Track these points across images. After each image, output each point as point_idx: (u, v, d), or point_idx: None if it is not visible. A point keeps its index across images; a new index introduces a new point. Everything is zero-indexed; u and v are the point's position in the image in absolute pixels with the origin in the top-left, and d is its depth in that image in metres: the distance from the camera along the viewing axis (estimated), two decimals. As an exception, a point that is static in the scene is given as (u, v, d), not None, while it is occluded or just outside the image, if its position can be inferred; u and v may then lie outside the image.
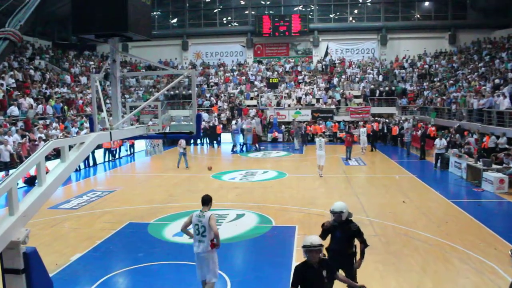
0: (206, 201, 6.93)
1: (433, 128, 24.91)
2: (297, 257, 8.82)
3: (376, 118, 31.24)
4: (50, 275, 5.81)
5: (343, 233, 6.48)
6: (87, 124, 21.51)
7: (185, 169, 20.21)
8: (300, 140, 28.71)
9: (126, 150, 26.01)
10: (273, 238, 10.46)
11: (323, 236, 6.32)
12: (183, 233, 7.23)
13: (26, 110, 21.79)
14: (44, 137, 18.96)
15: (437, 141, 19.94)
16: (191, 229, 6.94)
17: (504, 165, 16.00)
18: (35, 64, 29.10)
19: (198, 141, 30.78)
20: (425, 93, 33.90)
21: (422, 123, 26.52)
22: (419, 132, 23.71)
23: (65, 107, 25.23)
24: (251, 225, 11.38)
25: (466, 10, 39.31)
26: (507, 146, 17.85)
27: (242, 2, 43.25)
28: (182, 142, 20.34)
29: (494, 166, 15.99)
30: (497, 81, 25.07)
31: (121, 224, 11.56)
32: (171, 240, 10.32)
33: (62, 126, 22.56)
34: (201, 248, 6.71)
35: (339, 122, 31.51)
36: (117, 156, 24.35)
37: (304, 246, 5.03)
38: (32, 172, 14.31)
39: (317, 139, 18.41)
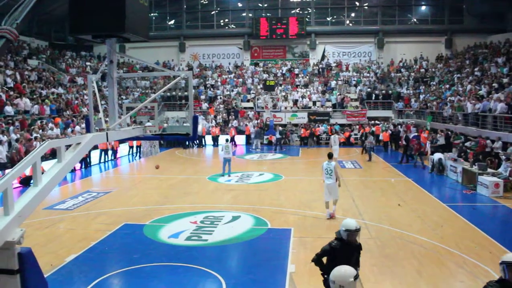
0: (331, 156, 12.22)
1: (425, 135, 24.80)
2: (292, 259, 8.82)
3: (375, 122, 31.42)
4: (45, 276, 5.79)
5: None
6: (83, 125, 21.44)
7: (228, 176, 18.74)
8: (260, 141, 29.46)
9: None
10: (268, 240, 10.46)
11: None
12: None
13: (22, 110, 21.73)
14: (40, 137, 18.90)
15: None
16: None
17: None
18: (31, 64, 29.02)
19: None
20: (421, 97, 34.00)
21: (414, 127, 26.83)
22: (412, 135, 23.80)
23: (60, 109, 25.11)
24: (247, 227, 11.36)
25: (463, 14, 39.57)
26: (500, 151, 17.91)
27: (240, 5, 43.29)
28: (229, 147, 18.89)
29: (489, 170, 16.05)
30: (494, 85, 25.15)
31: (116, 225, 11.52)
32: (166, 241, 10.29)
33: (57, 120, 22.61)
34: (330, 182, 11.75)
35: (333, 125, 31.61)
36: (112, 157, 24.30)
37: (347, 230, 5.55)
38: (28, 172, 14.25)
39: (332, 136, 25.07)
